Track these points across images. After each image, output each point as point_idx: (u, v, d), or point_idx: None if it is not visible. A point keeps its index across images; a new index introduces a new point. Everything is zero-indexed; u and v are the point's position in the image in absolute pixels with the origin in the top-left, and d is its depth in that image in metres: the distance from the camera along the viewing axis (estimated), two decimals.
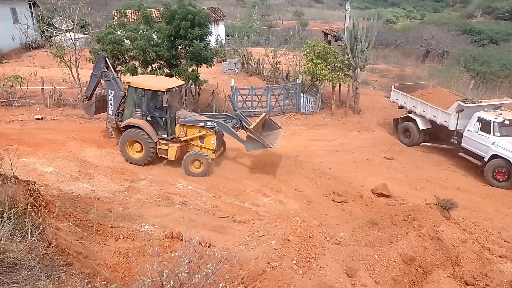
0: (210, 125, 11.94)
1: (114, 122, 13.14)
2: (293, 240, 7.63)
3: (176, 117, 12.26)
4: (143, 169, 12.31)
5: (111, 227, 8.24)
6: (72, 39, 18.35)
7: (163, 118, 12.18)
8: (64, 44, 19.08)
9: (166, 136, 12.27)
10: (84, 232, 7.33)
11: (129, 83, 12.53)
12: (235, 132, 11.88)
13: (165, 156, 12.37)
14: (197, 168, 12.02)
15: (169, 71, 17.13)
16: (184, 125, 12.22)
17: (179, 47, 16.88)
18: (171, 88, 12.03)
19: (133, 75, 17.24)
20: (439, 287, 6.43)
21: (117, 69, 17.65)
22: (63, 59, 17.84)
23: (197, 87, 18.08)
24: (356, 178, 12.76)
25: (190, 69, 16.97)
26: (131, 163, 12.45)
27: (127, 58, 17.48)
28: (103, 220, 8.61)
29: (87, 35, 25.56)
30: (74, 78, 18.22)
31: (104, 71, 13.35)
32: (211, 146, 12.17)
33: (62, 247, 5.54)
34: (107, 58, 13.52)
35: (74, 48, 18.09)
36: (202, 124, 12.03)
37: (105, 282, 4.65)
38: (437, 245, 7.56)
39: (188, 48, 16.41)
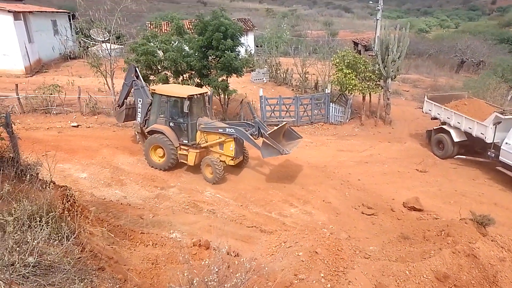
0: (229, 132, 12.07)
1: (139, 128, 13.72)
2: (321, 253, 7.52)
3: (197, 124, 12.56)
4: (173, 177, 12.54)
5: (141, 233, 8.39)
6: (107, 50, 19.10)
7: (185, 124, 12.53)
8: (100, 55, 19.88)
9: (187, 141, 12.60)
10: (116, 238, 7.50)
11: (154, 90, 13.07)
12: (253, 139, 11.88)
13: (185, 161, 12.69)
14: (210, 174, 12.19)
15: (199, 81, 17.46)
16: (205, 131, 12.47)
17: (210, 57, 17.20)
18: (193, 95, 12.35)
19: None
20: None
21: (150, 78, 18.24)
22: (99, 69, 18.56)
23: (226, 96, 18.30)
24: (387, 191, 12.45)
25: (220, 79, 17.23)
26: (153, 167, 12.86)
27: (159, 68, 17.97)
28: (134, 226, 8.80)
29: (122, 46, 26.54)
30: (108, 87, 18.90)
31: (134, 80, 14.03)
32: (229, 153, 12.30)
33: (95, 252, 5.71)
34: (137, 68, 14.26)
35: (110, 58, 18.79)
36: (221, 130, 12.20)
37: (135, 287, 4.75)
38: (473, 262, 7.22)
39: (219, 59, 16.70)
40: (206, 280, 3.71)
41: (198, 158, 12.50)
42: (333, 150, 16.47)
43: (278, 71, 26.37)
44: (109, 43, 19.71)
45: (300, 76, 24.13)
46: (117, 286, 4.66)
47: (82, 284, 4.26)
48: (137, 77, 14.11)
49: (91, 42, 22.94)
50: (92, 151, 13.93)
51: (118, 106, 15.18)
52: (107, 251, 6.65)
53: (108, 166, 12.77)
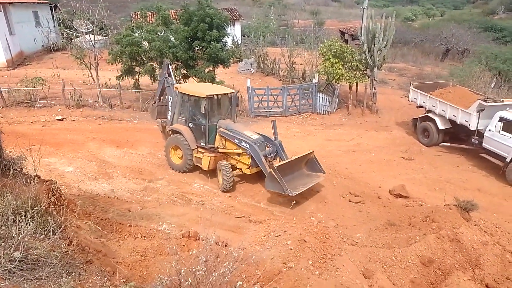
0: (243, 146, 11.11)
1: (161, 126, 13.44)
2: (309, 241, 7.61)
3: (217, 126, 11.73)
4: (161, 169, 12.48)
5: (130, 226, 8.38)
6: (91, 41, 18.76)
7: (202, 126, 11.76)
8: (84, 46, 19.52)
9: (204, 144, 11.84)
10: (104, 231, 7.48)
11: (176, 88, 12.38)
12: (265, 162, 10.83)
13: (200, 165, 11.94)
14: (221, 179, 11.34)
15: (186, 72, 17.32)
16: (223, 136, 11.63)
17: (196, 48, 17.04)
18: (213, 95, 11.43)
19: (151, 76, 17.55)
20: None
21: (135, 70, 18.02)
22: (83, 61, 18.25)
23: None
24: (374, 179, 12.62)
25: (206, 70, 17.11)
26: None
27: (145, 59, 17.76)
28: (122, 219, 8.77)
29: (106, 37, 26.09)
30: (93, 79, 18.63)
31: (166, 78, 13.59)
32: (246, 161, 11.29)
33: (83, 245, 5.69)
34: (169, 65, 13.70)
35: (94, 50, 18.47)
36: (237, 142, 11.24)
37: (124, 280, 4.75)
38: (456, 247, 7.41)
39: (205, 50, 16.56)
40: (194, 270, 3.74)
41: (212, 163, 11.61)
42: (320, 139, 16.57)
43: (265, 62, 26.30)
44: (92, 34, 19.34)
45: (288, 66, 24.10)
46: (106, 278, 4.66)
47: (69, 277, 4.25)
48: (169, 74, 13.62)
49: (74, 34, 22.52)
50: (77, 144, 13.77)
51: (154, 102, 14.79)
52: (95, 244, 6.63)
53: (94, 160, 12.64)
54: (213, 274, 3.83)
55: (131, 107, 18.37)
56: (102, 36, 24.68)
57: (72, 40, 21.49)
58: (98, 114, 17.16)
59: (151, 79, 17.90)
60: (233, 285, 3.91)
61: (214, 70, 17.73)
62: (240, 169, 11.59)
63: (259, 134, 11.69)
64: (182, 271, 3.80)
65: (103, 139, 14.44)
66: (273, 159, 11.17)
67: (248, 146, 10.98)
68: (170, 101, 12.97)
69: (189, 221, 9.33)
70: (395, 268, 6.94)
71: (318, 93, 20.07)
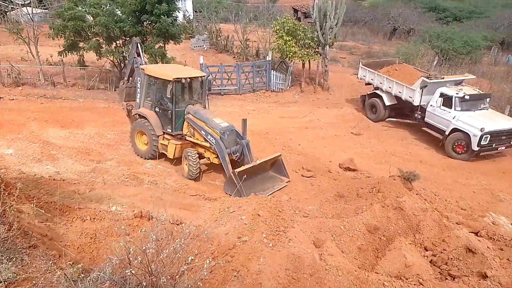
0: (209, 140, 10.51)
1: (126, 110, 12.50)
2: (263, 215, 7.74)
3: (185, 112, 11.04)
4: (110, 150, 12.04)
5: (78, 208, 8.06)
6: (29, 14, 17.33)
7: (169, 111, 11.03)
8: (21, 20, 18.02)
9: (170, 131, 11.17)
10: (49, 214, 7.14)
11: (143, 69, 11.49)
12: (227, 161, 10.27)
13: (165, 153, 11.36)
14: (186, 168, 10.79)
15: None
16: (190, 124, 10.99)
17: (145, 23, 16.31)
18: (181, 78, 10.70)
19: (97, 52, 16.63)
20: (401, 253, 6.74)
21: (79, 45, 16.96)
22: (20, 36, 16.86)
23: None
24: (325, 154, 13.03)
25: (157, 46, 16.49)
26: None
27: (89, 34, 16.76)
28: (69, 202, 8.40)
29: (46, 10, 24.19)
30: (33, 55, 17.34)
31: (134, 57, 12.48)
32: (214, 152, 10.73)
33: (25, 230, 5.40)
34: (139, 44, 12.52)
35: (32, 24, 17.11)
36: (204, 134, 10.64)
37: (71, 263, 4.60)
38: (399, 214, 7.88)
39: (154, 24, 15.89)
40: (144, 248, 3.69)
41: (178, 151, 11.02)
42: (274, 117, 16.75)
43: (219, 38, 25.81)
44: (30, 7, 17.85)
45: (241, 43, 23.84)
46: (51, 262, 4.48)
47: (10, 263, 4.04)
48: (138, 54, 12.44)
49: (9, 6, 20.71)
50: (17, 125, 12.86)
51: (123, 84, 13.49)
52: (40, 228, 6.33)
53: (37, 141, 11.89)
54: (164, 251, 3.80)
55: (76, 85, 17.38)
56: (41, 9, 22.84)
57: (7, 13, 19.73)
58: (40, 92, 16.07)
59: (97, 55, 16.96)
60: (184, 261, 3.92)
61: (165, 46, 17.12)
62: (208, 158, 11.01)
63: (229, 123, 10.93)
64: (131, 249, 3.73)
65: (46, 119, 13.58)
66: (238, 159, 10.72)
67: (214, 141, 10.42)
68: (139, 82, 11.99)
69: (141, 202, 9.13)
70: (343, 237, 7.27)
71: (272, 70, 20.13)
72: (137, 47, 12.47)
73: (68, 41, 16.53)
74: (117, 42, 17.09)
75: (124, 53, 17.01)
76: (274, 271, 5.82)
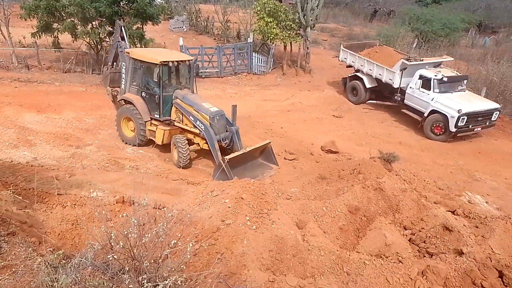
0: (198, 126, 10.25)
1: (111, 95, 12.01)
2: (246, 198, 7.78)
3: (173, 97, 10.67)
4: (89, 134, 11.79)
5: (58, 194, 7.90)
6: None
7: (156, 96, 10.64)
8: None
9: (158, 116, 10.81)
10: (27, 201, 6.99)
11: (128, 53, 11.03)
12: (217, 148, 10.03)
13: (153, 139, 11.01)
14: (176, 155, 10.49)
15: (111, 29, 16.08)
16: (178, 109, 10.67)
17: (122, 3, 15.79)
18: (168, 61, 10.38)
19: (72, 33, 16.07)
20: (381, 233, 6.92)
21: (54, 26, 16.34)
22: None
23: (143, 46, 17.22)
24: (307, 137, 13.11)
25: (134, 27, 16.04)
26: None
27: (64, 15, 16.13)
28: (48, 188, 8.21)
29: None
30: (4, 37, 16.61)
31: (118, 41, 11.93)
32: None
33: (3, 217, 5.27)
34: (123, 27, 11.97)
35: (2, 3, 16.32)
36: (193, 120, 10.34)
37: (51, 249, 4.53)
38: (379, 195, 8.06)
39: (131, 4, 15.41)
40: (126, 233, 3.66)
41: (167, 137, 10.68)
42: (257, 100, 16.68)
43: (199, 19, 25.30)
44: None
45: (222, 24, 23.44)
46: (30, 249, 4.40)
47: None
48: (123, 38, 11.92)
49: None
50: None
51: (107, 69, 12.97)
52: (19, 215, 6.20)
53: (12, 126, 11.51)
54: (146, 235, 3.78)
55: (51, 68, 16.82)
56: None
57: None
58: (13, 76, 15.48)
59: (72, 37, 16.38)
60: (168, 245, 3.91)
61: (143, 27, 16.68)
62: (198, 143, 10.73)
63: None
64: (112, 234, 3.70)
65: (21, 104, 13.13)
66: (227, 146, 10.52)
67: (203, 127, 10.13)
68: (124, 67, 11.53)
69: (123, 187, 9.01)
70: (325, 218, 7.41)
71: (254, 53, 19.93)
72: (121, 30, 11.97)
73: (41, 22, 15.88)
74: (93, 23, 16.53)
75: (100, 35, 16.51)
76: (258, 253, 5.89)
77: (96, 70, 17.49)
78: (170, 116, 10.85)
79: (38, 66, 16.65)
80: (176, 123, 10.79)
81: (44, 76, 16.12)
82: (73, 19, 16.01)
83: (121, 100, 11.52)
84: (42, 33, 16.28)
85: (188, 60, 11.14)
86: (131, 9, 15.72)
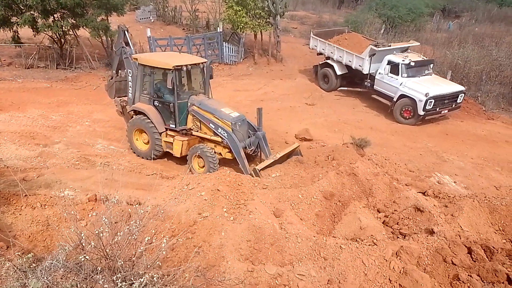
0: (221, 134, 9.46)
1: (120, 106, 11.14)
2: (222, 190, 7.76)
3: (189, 104, 9.83)
4: (56, 132, 11.38)
5: (25, 195, 7.61)
6: None
7: (171, 104, 9.76)
8: None
9: (174, 126, 9.99)
10: None
11: (136, 59, 10.18)
12: (243, 156, 9.37)
13: (171, 151, 10.17)
14: (200, 167, 9.73)
15: (74, 22, 15.48)
16: (196, 117, 9.86)
17: None
18: (181, 66, 9.52)
19: (33, 27, 15.35)
20: (356, 217, 7.09)
21: (12, 21, 15.56)
22: None
23: (109, 38, 16.68)
24: (281, 125, 13.15)
25: (99, 19, 15.47)
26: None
27: (22, 8, 15.35)
28: (16, 190, 7.89)
29: None
30: None
31: (123, 47, 10.97)
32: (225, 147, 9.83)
33: None
34: (126, 32, 10.98)
35: None
36: (213, 127, 9.56)
37: (19, 253, 4.35)
38: (353, 180, 8.23)
39: None
40: (97, 232, 3.55)
41: (186, 148, 9.87)
42: (229, 90, 16.55)
43: (166, 9, 24.71)
44: None
45: (190, 14, 22.99)
46: None
47: None
48: (127, 43, 10.95)
49: None
50: None
51: (111, 78, 11.91)
52: None
53: None
54: (119, 233, 3.69)
55: (13, 64, 16.07)
56: None
57: None
58: None
59: (33, 31, 15.65)
60: (141, 241, 3.84)
61: (107, 19, 16.13)
62: (220, 153, 9.86)
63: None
64: (82, 234, 3.59)
65: None
66: (254, 153, 9.99)
67: (225, 134, 9.38)
68: (130, 75, 10.67)
69: (95, 184, 8.78)
70: (301, 205, 7.50)
71: (224, 42, 19.71)
72: (125, 35, 11.01)
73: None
74: (55, 15, 15.83)
75: (63, 28, 15.85)
76: (236, 244, 5.90)
77: (61, 64, 16.82)
78: (186, 125, 10.06)
79: None
80: (193, 132, 10.00)
81: (5, 73, 15.38)
82: (32, 12, 15.27)
83: (131, 111, 10.67)
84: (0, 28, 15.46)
85: (203, 63, 10.30)
86: (94, 0, 15.13)
